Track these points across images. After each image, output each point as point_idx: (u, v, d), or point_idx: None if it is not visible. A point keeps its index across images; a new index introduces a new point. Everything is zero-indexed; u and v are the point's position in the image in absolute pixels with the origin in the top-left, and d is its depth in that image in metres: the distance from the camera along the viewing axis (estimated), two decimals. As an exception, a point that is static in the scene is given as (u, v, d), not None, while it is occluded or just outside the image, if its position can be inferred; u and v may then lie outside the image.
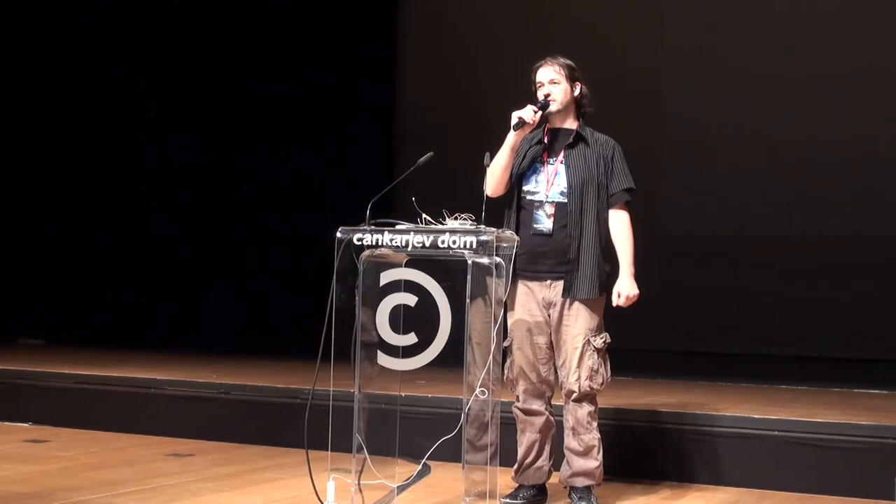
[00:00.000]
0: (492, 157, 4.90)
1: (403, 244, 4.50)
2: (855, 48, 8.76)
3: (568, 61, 5.05)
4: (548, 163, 5.00)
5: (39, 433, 6.93)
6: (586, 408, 4.97)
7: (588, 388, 4.93)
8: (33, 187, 11.04)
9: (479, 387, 4.45)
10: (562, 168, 4.97)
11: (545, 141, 5.03)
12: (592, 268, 4.93)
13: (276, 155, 10.64)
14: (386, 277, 4.60)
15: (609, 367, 5.01)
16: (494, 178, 4.95)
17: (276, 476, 5.74)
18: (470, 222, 4.53)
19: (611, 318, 5.05)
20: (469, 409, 4.48)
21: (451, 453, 4.53)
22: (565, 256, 4.92)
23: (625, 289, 4.93)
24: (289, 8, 10.78)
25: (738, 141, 9.03)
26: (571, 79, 5.04)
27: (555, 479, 5.16)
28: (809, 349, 8.48)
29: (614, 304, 4.95)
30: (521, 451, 5.07)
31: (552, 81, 5.00)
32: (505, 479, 4.96)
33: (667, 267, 8.89)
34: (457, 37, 10.11)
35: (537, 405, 5.03)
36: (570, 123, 5.06)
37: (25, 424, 7.21)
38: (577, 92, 5.06)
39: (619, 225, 4.99)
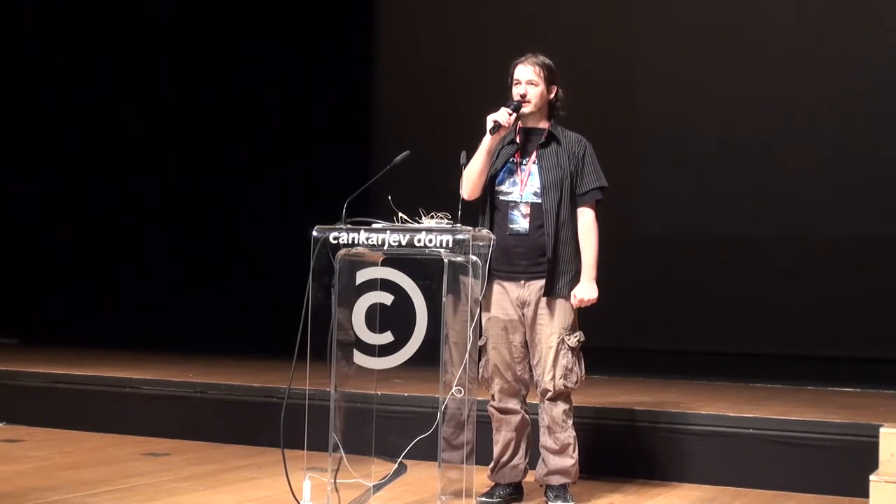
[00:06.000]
0: (468, 157, 4.91)
1: (379, 243, 4.50)
2: (837, 42, 8.78)
3: (548, 61, 5.06)
4: (521, 163, 5.01)
5: (14, 433, 6.90)
6: (561, 406, 4.99)
7: (562, 387, 4.95)
8: (7, 185, 10.97)
9: (456, 385, 4.45)
10: (535, 168, 4.99)
11: (517, 141, 5.04)
12: (569, 267, 4.96)
13: (253, 154, 10.61)
14: (362, 276, 4.60)
15: (583, 365, 5.03)
16: (471, 182, 4.95)
17: (252, 475, 5.73)
18: (446, 221, 4.53)
19: (585, 317, 5.07)
20: (445, 408, 4.49)
21: (427, 452, 4.53)
22: (541, 256, 4.93)
23: (582, 292, 4.94)
24: (266, 7, 10.75)
25: (713, 138, 9.06)
26: (549, 81, 5.04)
27: (531, 477, 5.17)
28: (784, 347, 8.52)
29: (572, 305, 4.96)
30: (497, 450, 5.08)
31: (530, 82, 5.01)
32: (481, 478, 4.96)
33: (642, 265, 8.93)
34: (434, 36, 10.11)
35: (513, 404, 5.04)
36: (543, 123, 5.08)
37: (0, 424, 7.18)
38: (552, 94, 5.07)
39: (585, 226, 5.01)
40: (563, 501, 5.00)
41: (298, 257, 4.76)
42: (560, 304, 4.95)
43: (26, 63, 10.94)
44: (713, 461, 5.78)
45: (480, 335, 4.93)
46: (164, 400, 7.02)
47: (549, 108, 5.09)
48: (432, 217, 4.55)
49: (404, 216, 4.57)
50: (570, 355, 4.95)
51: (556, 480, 5.02)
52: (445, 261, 4.45)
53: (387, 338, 4.59)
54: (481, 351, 4.98)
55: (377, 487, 4.68)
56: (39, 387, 7.33)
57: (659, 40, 9.32)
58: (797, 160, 8.79)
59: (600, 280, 5.01)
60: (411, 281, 4.52)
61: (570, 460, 5.01)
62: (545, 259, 4.93)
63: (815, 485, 5.56)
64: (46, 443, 6.60)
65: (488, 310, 4.97)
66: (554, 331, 4.94)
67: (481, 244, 4.54)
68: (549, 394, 4.96)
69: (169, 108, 11.18)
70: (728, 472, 5.73)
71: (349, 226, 4.54)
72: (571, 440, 5.01)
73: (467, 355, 4.48)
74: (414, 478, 4.87)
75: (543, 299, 4.94)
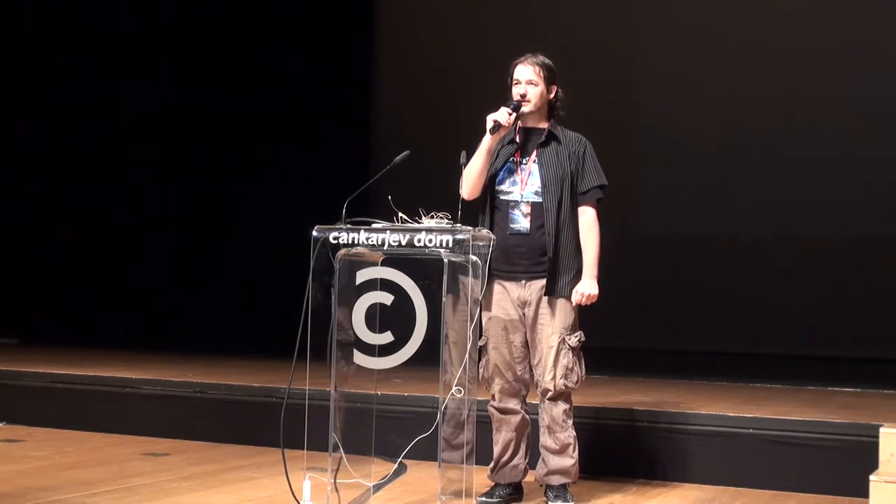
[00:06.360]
0: (468, 157, 4.91)
1: (379, 243, 4.50)
2: (837, 42, 8.77)
3: (548, 61, 5.06)
4: (521, 162, 5.01)
5: (14, 433, 6.90)
6: (561, 406, 4.99)
7: (563, 387, 4.95)
8: (6, 185, 10.97)
9: (456, 385, 4.45)
10: (535, 167, 4.99)
11: (517, 140, 5.04)
12: (570, 266, 4.96)
13: (253, 154, 10.61)
14: (362, 276, 4.60)
15: (584, 365, 5.03)
16: (470, 182, 4.95)
17: (252, 475, 5.73)
18: (446, 221, 4.53)
19: (586, 317, 5.06)
20: (445, 408, 4.49)
21: (427, 452, 4.53)
22: (542, 255, 4.93)
23: (584, 288, 4.94)
24: (266, 7, 10.75)
25: (713, 138, 9.05)
26: (549, 81, 5.05)
27: (531, 477, 5.17)
28: (784, 347, 8.51)
29: (573, 302, 4.97)
30: (497, 450, 5.08)
31: (530, 82, 5.01)
32: (481, 478, 4.96)
33: (643, 266, 8.92)
34: (434, 36, 10.10)
35: (513, 404, 5.04)
36: (543, 123, 5.08)
37: (0, 424, 7.18)
38: (552, 94, 5.08)
39: (586, 224, 5.01)
40: (563, 501, 5.00)
41: (298, 257, 4.76)
42: (561, 303, 4.95)
43: (26, 63, 10.94)
44: (713, 461, 5.78)
45: (480, 335, 4.93)
46: (164, 400, 7.02)
47: (549, 108, 5.09)
48: (432, 217, 4.55)
49: (404, 216, 4.57)
50: (570, 355, 4.95)
51: (556, 480, 5.02)
52: (445, 261, 4.45)
53: (387, 338, 4.59)
54: (481, 351, 4.98)
55: (377, 487, 4.68)
56: (39, 387, 7.33)
57: (659, 40, 9.31)
58: (797, 160, 8.78)
59: (601, 280, 5.01)
60: (411, 281, 4.52)
61: (570, 460, 5.01)
62: (546, 258, 4.93)
63: (815, 485, 5.56)
64: (46, 443, 6.60)
65: (489, 309, 4.98)
66: (555, 330, 4.94)
67: (481, 244, 4.54)
68: (550, 393, 4.97)
69: (169, 108, 11.17)
70: (728, 472, 5.73)
71: (349, 226, 4.54)
72: (571, 440, 5.01)
73: (467, 355, 4.48)
74: (414, 478, 4.87)
75: (544, 299, 4.94)
